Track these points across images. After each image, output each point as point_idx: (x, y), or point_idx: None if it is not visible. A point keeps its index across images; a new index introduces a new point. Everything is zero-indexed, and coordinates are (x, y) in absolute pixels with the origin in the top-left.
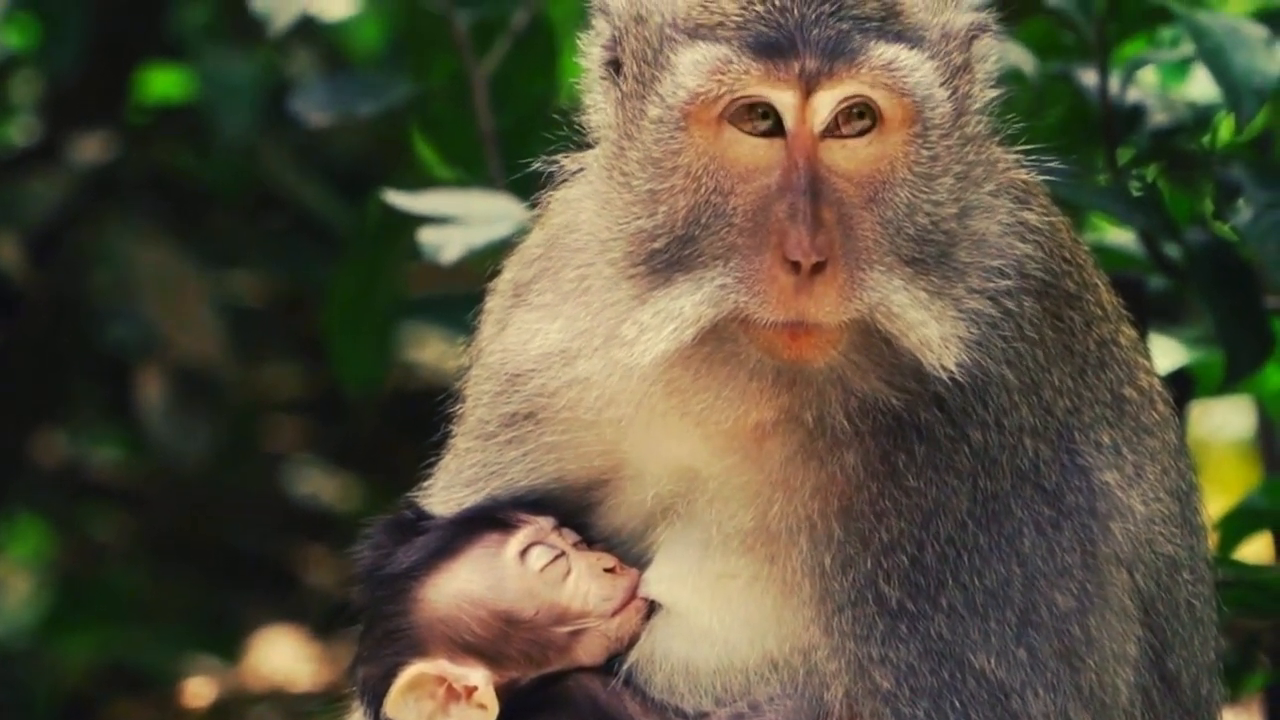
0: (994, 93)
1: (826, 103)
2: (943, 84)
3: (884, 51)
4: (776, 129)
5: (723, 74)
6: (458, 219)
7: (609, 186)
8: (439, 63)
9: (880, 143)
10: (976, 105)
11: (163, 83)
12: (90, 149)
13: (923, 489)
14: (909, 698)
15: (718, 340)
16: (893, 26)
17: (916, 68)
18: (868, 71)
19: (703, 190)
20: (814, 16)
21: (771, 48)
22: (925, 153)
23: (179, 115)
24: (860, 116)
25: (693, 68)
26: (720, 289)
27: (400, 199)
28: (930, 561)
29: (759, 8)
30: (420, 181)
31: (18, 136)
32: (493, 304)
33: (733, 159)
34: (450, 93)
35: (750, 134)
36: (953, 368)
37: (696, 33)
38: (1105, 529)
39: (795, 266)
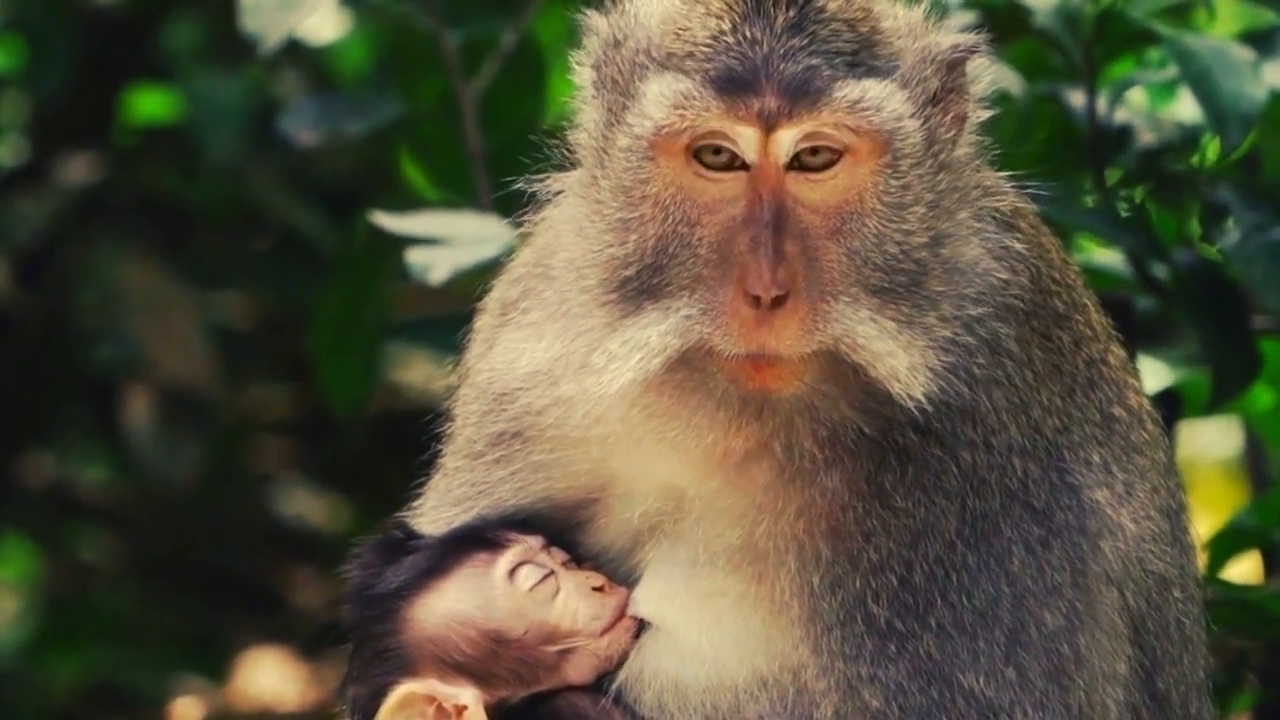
0: (981, 115)
1: (786, 141)
2: (914, 114)
3: (849, 91)
4: (741, 162)
5: (684, 109)
6: (445, 240)
7: (585, 212)
8: (427, 83)
9: (848, 174)
10: (954, 131)
11: (150, 103)
12: (77, 170)
13: (911, 509)
14: (898, 717)
15: (688, 368)
16: (864, 59)
17: (884, 103)
18: (829, 113)
19: (670, 220)
20: (782, 51)
21: (735, 84)
22: (895, 182)
23: (166, 136)
24: (825, 150)
25: (657, 100)
26: (685, 319)
27: (387, 220)
28: (919, 581)
29: (729, 39)
30: (408, 203)
31: (5, 157)
32: (481, 323)
33: (699, 191)
34: (438, 113)
35: (715, 167)
36: (920, 397)
37: (667, 62)
38: (1095, 547)
39: (757, 300)
